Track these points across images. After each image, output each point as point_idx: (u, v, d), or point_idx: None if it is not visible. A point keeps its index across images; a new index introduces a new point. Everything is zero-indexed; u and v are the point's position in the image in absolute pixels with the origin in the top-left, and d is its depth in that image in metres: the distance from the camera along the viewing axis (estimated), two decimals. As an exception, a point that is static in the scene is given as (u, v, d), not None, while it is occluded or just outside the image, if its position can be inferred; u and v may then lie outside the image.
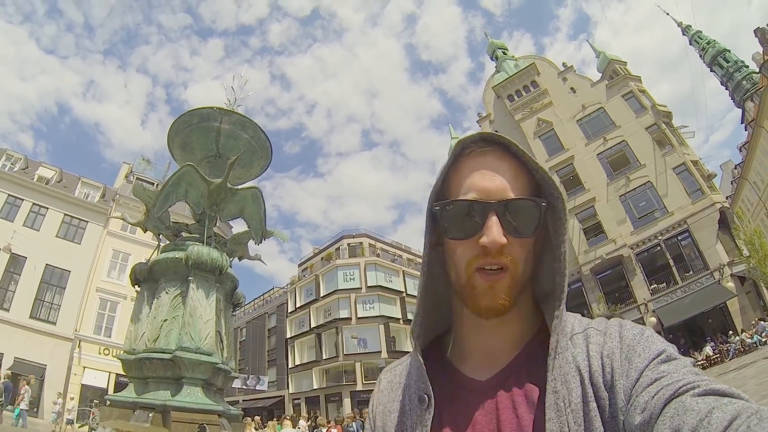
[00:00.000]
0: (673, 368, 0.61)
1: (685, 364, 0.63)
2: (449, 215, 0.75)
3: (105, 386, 22.96)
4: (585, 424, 0.63)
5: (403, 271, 41.55)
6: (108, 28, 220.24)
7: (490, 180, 0.73)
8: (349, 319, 36.92)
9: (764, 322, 19.02)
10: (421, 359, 0.79)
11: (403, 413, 0.80)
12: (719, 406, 0.52)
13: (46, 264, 24.52)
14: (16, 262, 23.73)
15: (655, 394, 0.58)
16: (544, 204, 0.73)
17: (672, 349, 0.65)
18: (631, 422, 0.58)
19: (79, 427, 16.08)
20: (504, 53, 39.01)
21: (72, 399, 18.23)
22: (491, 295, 0.72)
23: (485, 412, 0.73)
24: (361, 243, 41.97)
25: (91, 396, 19.20)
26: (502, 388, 0.73)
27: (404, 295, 39.94)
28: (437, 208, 0.77)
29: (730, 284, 23.59)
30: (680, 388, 0.56)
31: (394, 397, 0.85)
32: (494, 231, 0.70)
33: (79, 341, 23.77)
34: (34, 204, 25.58)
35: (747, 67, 41.23)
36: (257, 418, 18.78)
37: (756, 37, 33.31)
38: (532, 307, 0.82)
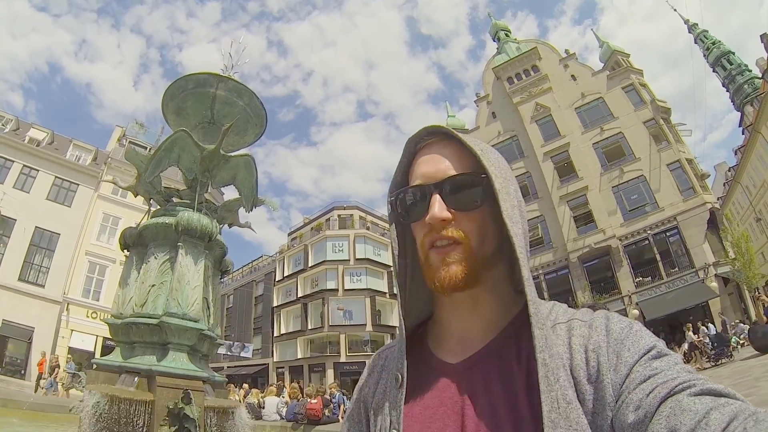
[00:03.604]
0: (666, 365, 0.60)
1: (677, 361, 0.62)
2: (402, 203, 0.82)
3: (92, 349, 23.08)
4: (572, 406, 0.62)
5: (392, 245, 41.63)
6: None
7: (432, 165, 0.79)
8: (336, 290, 37.24)
9: (743, 324, 19.32)
10: (405, 339, 0.82)
11: (384, 394, 0.83)
12: (717, 407, 0.51)
13: (36, 226, 24.41)
14: (6, 224, 23.63)
15: (650, 392, 0.57)
16: (483, 176, 0.75)
17: (662, 345, 0.65)
18: (624, 420, 0.57)
19: (66, 389, 16.14)
20: (507, 35, 38.65)
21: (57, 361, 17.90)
22: (444, 268, 0.74)
23: (453, 393, 0.74)
24: (351, 215, 42.15)
25: (78, 359, 19.23)
26: (471, 372, 0.75)
27: (392, 269, 40.10)
28: (392, 198, 0.84)
29: (714, 284, 23.99)
30: (676, 386, 0.56)
31: (378, 377, 0.88)
32: (435, 207, 0.75)
33: (68, 304, 23.84)
34: (24, 166, 25.31)
35: (750, 71, 41.28)
36: (245, 385, 19.13)
37: (762, 42, 33.21)
38: (511, 293, 0.82)
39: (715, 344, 16.85)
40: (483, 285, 0.76)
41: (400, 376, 0.79)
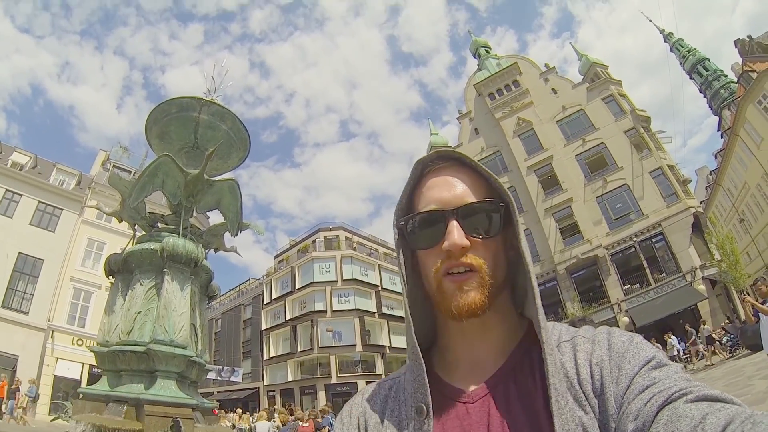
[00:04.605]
0: (664, 375, 0.61)
1: (676, 370, 0.63)
2: (414, 228, 0.80)
3: (78, 377, 22.53)
4: (581, 428, 0.62)
5: (379, 265, 41.62)
6: (85, 7, 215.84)
7: (447, 190, 0.78)
8: (325, 311, 36.99)
9: (731, 323, 19.70)
10: (424, 368, 0.76)
11: (396, 425, 0.77)
12: (713, 412, 0.52)
13: (19, 252, 23.82)
14: (-13, 250, 23.08)
15: (648, 401, 0.57)
16: (501, 204, 0.77)
17: (662, 355, 0.66)
18: (624, 430, 0.58)
19: (52, 420, 15.75)
20: (487, 51, 39.43)
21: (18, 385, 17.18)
22: (461, 295, 0.73)
23: (475, 420, 0.72)
24: (337, 236, 42.02)
25: (64, 387, 18.79)
26: (490, 396, 0.73)
27: (380, 289, 40.08)
28: (402, 222, 0.82)
29: (702, 287, 24.31)
30: (673, 394, 0.56)
31: (384, 408, 0.82)
32: (454, 234, 0.73)
33: (52, 331, 23.23)
34: (7, 190, 24.73)
35: (726, 76, 42.29)
36: (238, 410, 18.93)
37: (736, 47, 34.15)
38: (515, 316, 0.83)
39: (732, 336, 18.14)
40: (492, 310, 0.76)
41: (424, 407, 0.74)
